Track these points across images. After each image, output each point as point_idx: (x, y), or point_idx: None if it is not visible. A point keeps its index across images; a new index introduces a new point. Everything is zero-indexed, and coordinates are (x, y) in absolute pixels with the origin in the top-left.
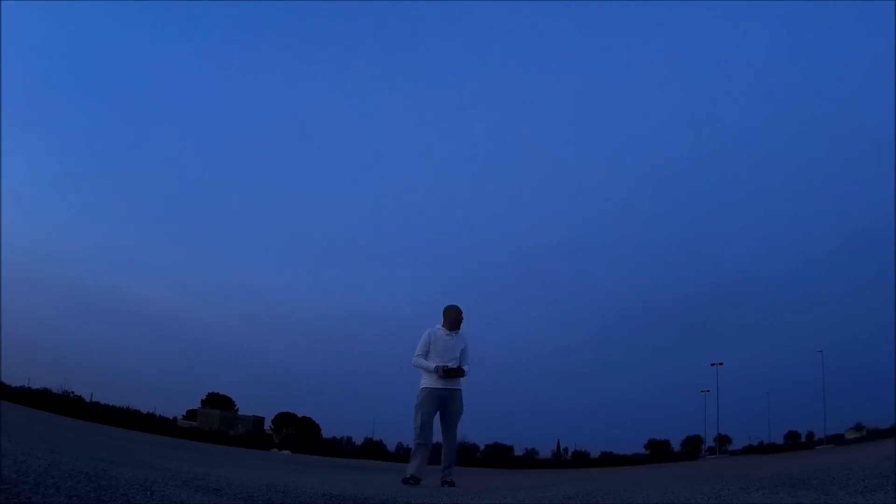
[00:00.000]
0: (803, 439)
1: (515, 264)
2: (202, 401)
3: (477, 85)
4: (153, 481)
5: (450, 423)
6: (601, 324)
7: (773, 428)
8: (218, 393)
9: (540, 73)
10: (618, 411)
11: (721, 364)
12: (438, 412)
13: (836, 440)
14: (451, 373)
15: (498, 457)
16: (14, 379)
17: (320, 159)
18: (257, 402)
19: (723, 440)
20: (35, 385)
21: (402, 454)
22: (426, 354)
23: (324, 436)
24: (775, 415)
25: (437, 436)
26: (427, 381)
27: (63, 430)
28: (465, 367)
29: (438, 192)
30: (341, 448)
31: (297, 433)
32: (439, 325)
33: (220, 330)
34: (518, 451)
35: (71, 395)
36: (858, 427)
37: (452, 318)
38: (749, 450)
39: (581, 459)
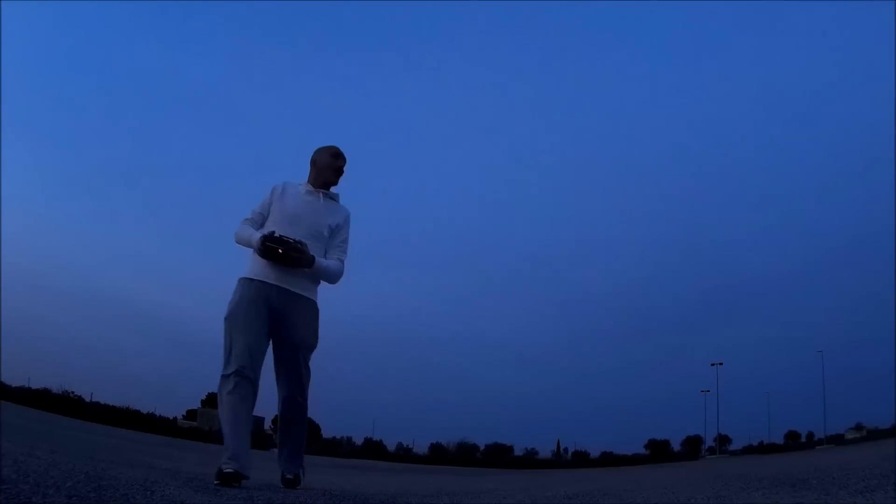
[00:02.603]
0: (803, 439)
1: (515, 265)
2: (202, 401)
3: (479, 87)
4: (153, 481)
5: (288, 361)
6: (601, 324)
7: (773, 428)
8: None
9: (540, 75)
10: (618, 411)
11: (721, 364)
12: (271, 339)
13: (836, 440)
14: (287, 252)
15: (498, 457)
16: (14, 379)
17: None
18: (257, 402)
19: (723, 440)
20: (35, 385)
21: (402, 454)
22: (262, 223)
23: (324, 436)
24: (775, 415)
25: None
26: (250, 268)
27: (63, 430)
28: (333, 260)
29: (439, 193)
30: (341, 448)
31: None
32: (302, 183)
33: (221, 330)
34: (518, 451)
35: (71, 395)
36: (858, 427)
37: (326, 168)
38: (749, 450)
39: (581, 459)
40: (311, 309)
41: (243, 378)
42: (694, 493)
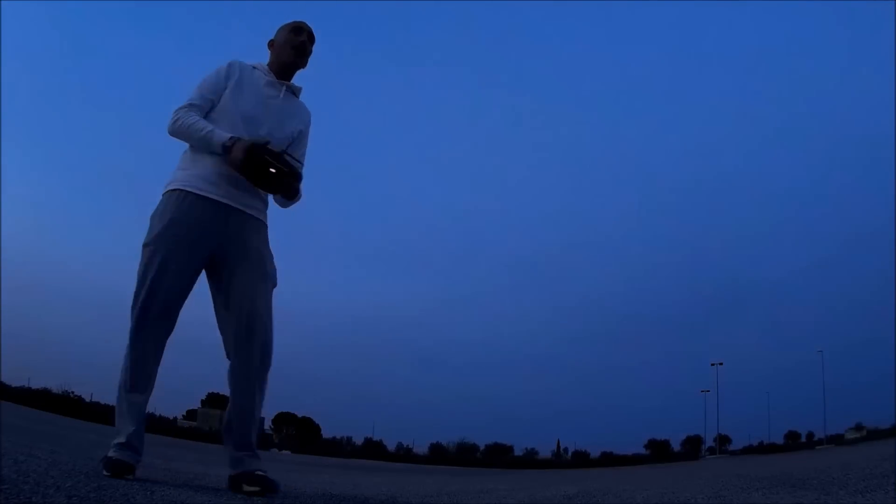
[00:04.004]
0: (803, 439)
1: (515, 266)
2: (202, 401)
3: (480, 89)
4: (153, 481)
5: (244, 316)
6: (601, 324)
7: (773, 428)
8: (218, 393)
9: (541, 77)
10: (618, 411)
11: (721, 364)
12: (212, 285)
13: (836, 440)
14: (283, 177)
15: (498, 457)
16: (14, 379)
17: (323, 161)
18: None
19: (723, 440)
20: (35, 385)
21: (402, 454)
22: (209, 112)
23: (324, 436)
24: (775, 415)
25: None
26: (188, 177)
27: (63, 430)
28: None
29: (440, 194)
30: (341, 448)
31: (297, 433)
32: (258, 65)
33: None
34: (518, 451)
35: (71, 395)
36: (858, 427)
37: (284, 45)
38: (749, 450)
39: (581, 459)
40: (266, 237)
41: (150, 350)
42: (694, 493)
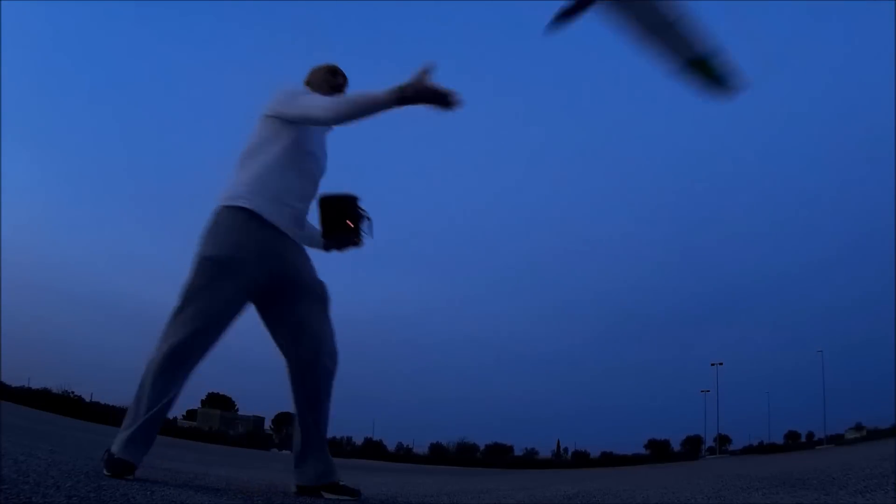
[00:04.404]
0: (803, 439)
1: (515, 267)
2: (202, 401)
3: (479, 89)
4: (153, 481)
5: (313, 341)
6: (601, 324)
7: (773, 428)
8: (218, 393)
9: (541, 78)
10: (618, 411)
11: (721, 364)
12: (272, 312)
13: (836, 440)
14: (352, 217)
15: (498, 457)
16: (14, 379)
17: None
18: (257, 402)
19: (723, 440)
20: (35, 385)
21: (402, 454)
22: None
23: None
24: (775, 415)
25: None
26: (258, 199)
27: (63, 430)
28: None
29: (441, 195)
30: (341, 448)
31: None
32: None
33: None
34: (518, 451)
35: (71, 395)
36: (858, 427)
37: (322, 84)
38: (749, 450)
39: (581, 459)
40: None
41: (178, 379)
42: (694, 493)
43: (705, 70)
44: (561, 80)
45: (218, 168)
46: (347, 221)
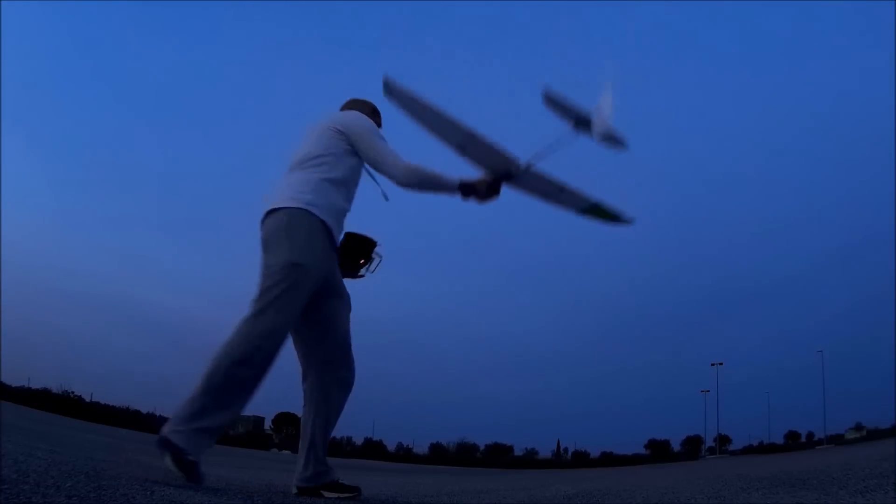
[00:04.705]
0: (803, 439)
1: (515, 266)
2: None
3: (482, 87)
4: (153, 481)
5: (341, 340)
6: (602, 324)
7: (773, 428)
8: None
9: (544, 76)
10: (618, 411)
11: (721, 364)
12: (310, 313)
13: (836, 440)
14: (369, 252)
15: (498, 457)
16: (14, 379)
17: None
18: (257, 402)
19: (723, 440)
20: (35, 385)
21: (402, 454)
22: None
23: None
24: (775, 415)
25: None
26: (326, 210)
27: (63, 430)
28: None
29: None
30: (341, 448)
31: (297, 433)
32: None
33: (221, 329)
34: (518, 451)
35: (71, 395)
36: (858, 427)
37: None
38: (749, 450)
39: (581, 459)
40: None
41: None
42: (694, 493)
43: (598, 213)
44: (563, 77)
45: (218, 169)
46: (361, 260)
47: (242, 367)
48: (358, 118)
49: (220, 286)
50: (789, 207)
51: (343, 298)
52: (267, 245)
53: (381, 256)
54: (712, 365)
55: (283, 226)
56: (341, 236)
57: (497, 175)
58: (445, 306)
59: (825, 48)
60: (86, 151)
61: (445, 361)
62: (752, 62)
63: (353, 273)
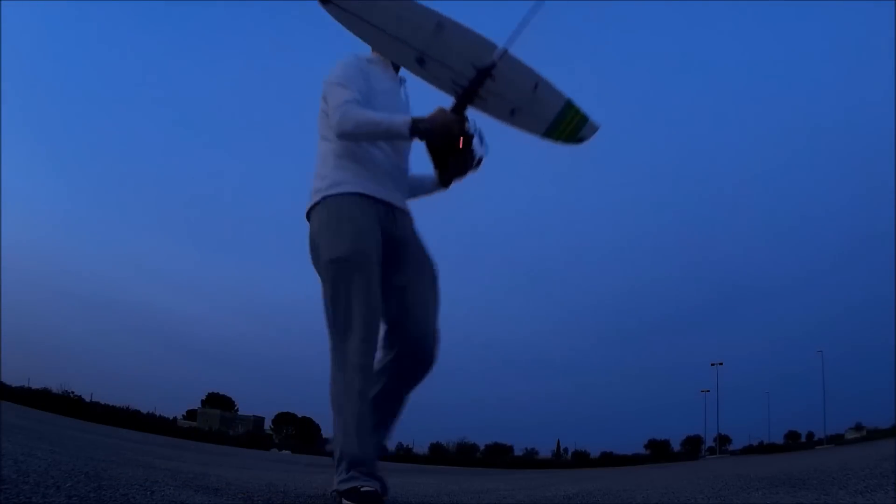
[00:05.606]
0: (803, 439)
1: (515, 267)
2: (202, 401)
3: None
4: (153, 481)
5: (421, 316)
6: (602, 324)
7: (773, 428)
8: (218, 393)
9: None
10: (618, 411)
11: (721, 364)
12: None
13: (836, 440)
14: (466, 152)
15: (498, 457)
16: (14, 379)
17: None
18: (257, 402)
19: (723, 440)
20: (35, 385)
21: (401, 454)
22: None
23: (324, 436)
24: (775, 415)
25: None
26: (357, 180)
27: (63, 430)
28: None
29: (444, 197)
30: None
31: (297, 433)
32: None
33: (221, 330)
34: (518, 451)
35: (71, 395)
36: (858, 427)
37: None
38: (749, 450)
39: (581, 459)
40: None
41: (367, 377)
42: (694, 493)
43: (572, 116)
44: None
45: (220, 169)
46: (460, 141)
47: (351, 383)
48: (333, 69)
49: (221, 288)
50: (789, 208)
51: (421, 265)
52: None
53: (475, 129)
54: (712, 365)
55: (314, 232)
56: (401, 185)
57: (461, 94)
58: (445, 306)
59: (829, 48)
60: (81, 148)
61: (445, 361)
62: (754, 62)
63: (465, 160)
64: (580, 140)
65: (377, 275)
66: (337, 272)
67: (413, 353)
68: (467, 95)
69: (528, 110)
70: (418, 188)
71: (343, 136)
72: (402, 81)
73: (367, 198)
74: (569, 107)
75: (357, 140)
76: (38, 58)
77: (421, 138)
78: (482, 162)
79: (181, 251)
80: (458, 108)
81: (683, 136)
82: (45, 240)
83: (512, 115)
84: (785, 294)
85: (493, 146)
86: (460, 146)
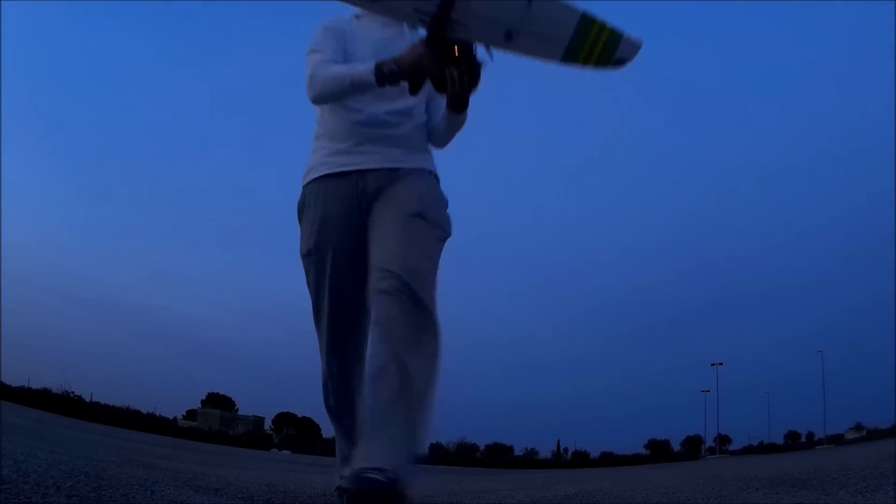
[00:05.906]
0: (803, 439)
1: (516, 267)
2: (202, 401)
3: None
4: (153, 481)
5: (397, 274)
6: (602, 324)
7: (773, 428)
8: (218, 393)
9: (547, 80)
10: (618, 411)
11: (721, 364)
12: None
13: (836, 440)
14: (467, 58)
15: (498, 457)
16: (14, 379)
17: None
18: (257, 402)
19: (723, 440)
20: (35, 385)
21: None
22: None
23: (324, 436)
24: (775, 415)
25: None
26: (323, 160)
27: (63, 430)
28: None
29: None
30: None
31: (297, 433)
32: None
33: (221, 330)
34: (518, 451)
35: (71, 395)
36: (858, 427)
37: None
38: (749, 450)
39: (581, 459)
40: (431, 181)
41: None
42: (694, 493)
43: (590, 54)
44: (565, 85)
45: (220, 170)
46: (454, 49)
47: (326, 385)
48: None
49: (221, 288)
50: (790, 209)
51: (398, 208)
52: None
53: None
54: (712, 365)
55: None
56: (379, 146)
57: (430, 22)
58: (446, 306)
59: (829, 49)
60: (82, 148)
61: (446, 362)
62: (755, 62)
63: (467, 70)
64: (619, 62)
65: (341, 267)
66: (305, 268)
67: (374, 290)
68: (437, 22)
69: (531, 31)
70: (440, 127)
71: (315, 100)
72: (412, 28)
73: (331, 177)
74: (587, 22)
75: (330, 101)
76: (38, 58)
77: (391, 83)
78: (481, 69)
79: (181, 251)
80: (431, 40)
81: (685, 138)
82: (45, 240)
83: (510, 39)
84: (785, 294)
85: (493, 151)
86: (455, 54)
